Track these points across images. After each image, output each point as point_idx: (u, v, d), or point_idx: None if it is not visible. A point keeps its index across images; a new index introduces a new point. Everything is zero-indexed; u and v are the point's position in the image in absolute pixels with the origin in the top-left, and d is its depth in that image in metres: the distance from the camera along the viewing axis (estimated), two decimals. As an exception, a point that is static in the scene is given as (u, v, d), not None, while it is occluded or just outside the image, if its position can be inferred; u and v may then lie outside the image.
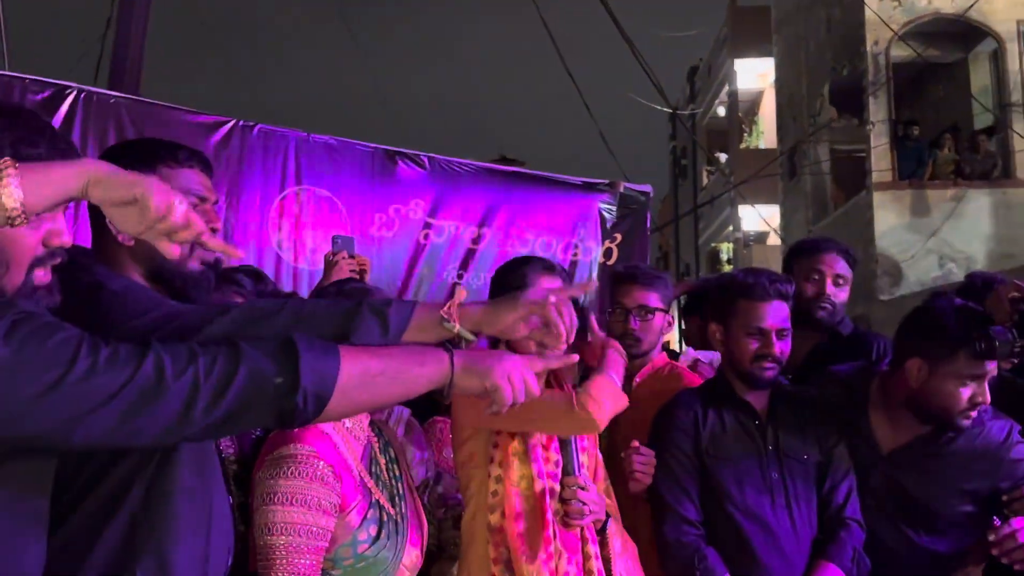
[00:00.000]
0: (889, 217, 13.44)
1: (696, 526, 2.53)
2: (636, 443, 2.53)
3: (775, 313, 2.58)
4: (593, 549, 2.32)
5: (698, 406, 2.61)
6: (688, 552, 2.48)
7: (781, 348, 2.57)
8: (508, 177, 4.97)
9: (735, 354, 2.59)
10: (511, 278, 2.35)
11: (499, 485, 2.27)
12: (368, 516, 2.00)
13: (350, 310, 1.68)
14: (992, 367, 2.44)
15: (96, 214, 1.83)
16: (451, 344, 1.62)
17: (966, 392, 2.45)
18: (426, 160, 4.65)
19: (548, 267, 2.40)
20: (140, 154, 1.84)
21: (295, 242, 4.27)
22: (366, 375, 1.49)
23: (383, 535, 2.00)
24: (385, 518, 2.03)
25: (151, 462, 1.68)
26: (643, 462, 2.50)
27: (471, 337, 1.68)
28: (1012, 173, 13.65)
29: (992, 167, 13.64)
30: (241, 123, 4.26)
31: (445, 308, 1.67)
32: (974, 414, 2.48)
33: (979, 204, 13.35)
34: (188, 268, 1.81)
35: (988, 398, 2.46)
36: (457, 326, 1.66)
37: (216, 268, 1.87)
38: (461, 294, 1.72)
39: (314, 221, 4.31)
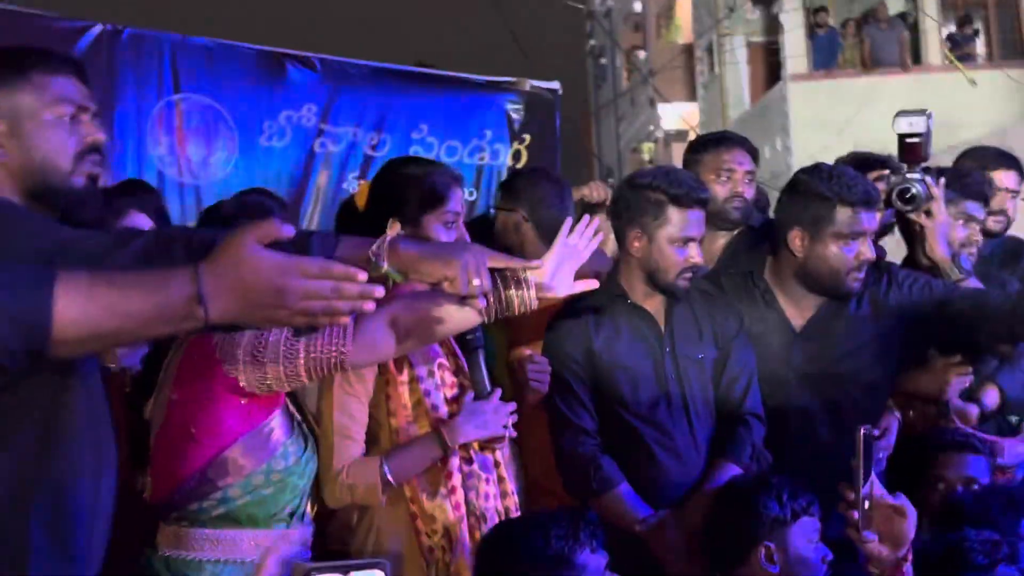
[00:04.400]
0: (804, 109, 13.46)
1: (592, 435, 2.46)
2: (528, 351, 2.42)
3: (700, 220, 2.49)
4: (507, 472, 2.26)
5: (590, 313, 2.51)
6: (584, 462, 2.42)
7: (699, 256, 2.49)
8: (407, 78, 4.74)
9: (659, 264, 2.46)
10: (413, 183, 2.20)
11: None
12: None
13: (274, 245, 1.53)
14: (871, 222, 2.49)
15: None
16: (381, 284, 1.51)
17: (850, 251, 2.47)
18: (317, 62, 4.40)
19: (456, 178, 2.29)
20: (8, 63, 1.66)
21: (178, 156, 4.02)
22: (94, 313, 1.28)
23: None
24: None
25: (39, 398, 1.56)
26: (537, 370, 2.40)
27: (399, 278, 1.61)
28: (923, 59, 13.74)
29: (902, 53, 13.69)
30: (109, 27, 3.94)
31: (375, 246, 1.58)
32: (861, 275, 2.50)
33: (893, 92, 13.43)
34: (73, 184, 1.64)
35: (873, 254, 2.51)
36: (385, 265, 1.58)
37: (99, 182, 1.70)
38: (395, 228, 1.73)
39: (197, 132, 4.05)
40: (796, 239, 2.52)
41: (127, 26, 4.00)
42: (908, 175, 2.73)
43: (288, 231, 1.33)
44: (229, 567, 1.95)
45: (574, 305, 2.52)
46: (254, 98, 4.18)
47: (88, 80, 1.72)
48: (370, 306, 1.32)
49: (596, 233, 2.01)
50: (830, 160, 2.96)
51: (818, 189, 2.50)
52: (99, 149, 1.68)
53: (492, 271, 1.77)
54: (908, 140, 2.76)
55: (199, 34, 4.22)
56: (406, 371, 2.16)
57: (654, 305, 2.54)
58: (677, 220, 2.44)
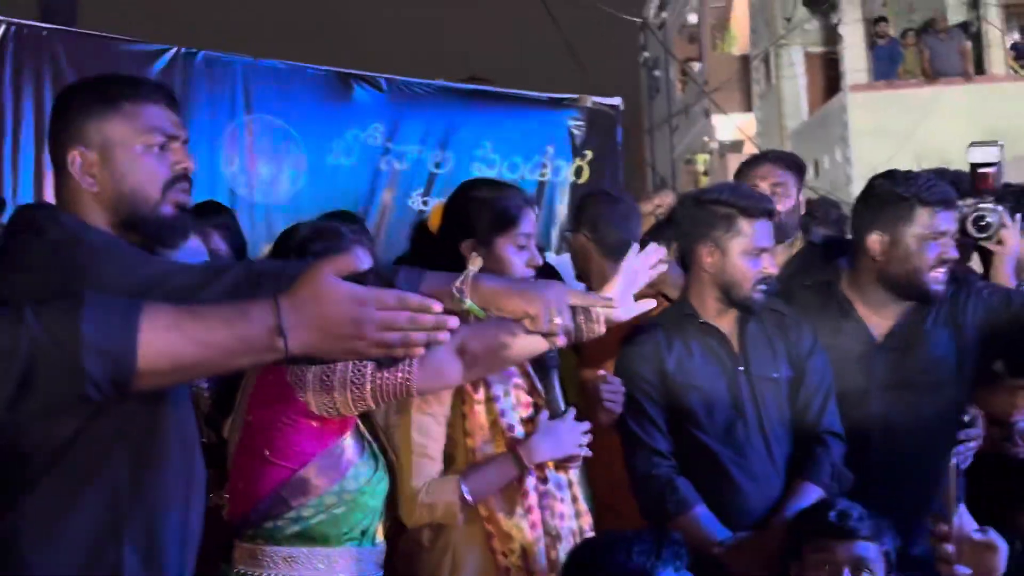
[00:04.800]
0: (865, 119, 13.27)
1: (666, 457, 2.45)
2: (602, 372, 2.42)
3: (770, 231, 2.49)
4: (579, 491, 2.27)
5: (661, 334, 2.50)
6: (659, 484, 2.41)
7: (773, 267, 2.49)
8: (470, 96, 4.79)
9: (734, 278, 2.45)
10: (485, 205, 2.23)
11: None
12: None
13: (358, 277, 1.56)
14: (949, 223, 2.49)
15: (57, 155, 1.68)
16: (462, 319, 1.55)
17: (931, 250, 2.46)
18: (383, 82, 4.47)
19: (528, 200, 2.31)
20: (99, 92, 1.69)
21: (249, 175, 4.10)
22: (176, 344, 1.31)
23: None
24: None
25: (132, 427, 1.60)
26: (611, 391, 2.40)
27: (481, 314, 1.63)
28: (986, 69, 13.47)
29: (963, 63, 13.44)
30: (184, 50, 4.05)
31: (458, 281, 1.61)
32: (942, 275, 2.49)
33: (954, 102, 13.18)
34: (162, 212, 1.67)
35: (955, 254, 2.50)
36: (468, 301, 1.61)
37: (187, 210, 1.74)
38: (476, 262, 1.69)
39: (267, 152, 4.13)
40: (875, 243, 2.52)
41: (201, 50, 4.10)
42: (981, 204, 2.73)
43: (364, 262, 1.36)
44: None
45: (646, 325, 2.51)
46: (322, 118, 4.25)
47: (178, 107, 1.75)
48: (445, 336, 1.35)
49: (659, 261, 2.04)
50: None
51: (896, 190, 2.50)
52: (187, 177, 1.71)
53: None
54: (980, 170, 2.77)
55: (270, 57, 4.30)
56: (482, 391, 2.18)
57: (727, 324, 2.52)
58: (748, 231, 2.44)
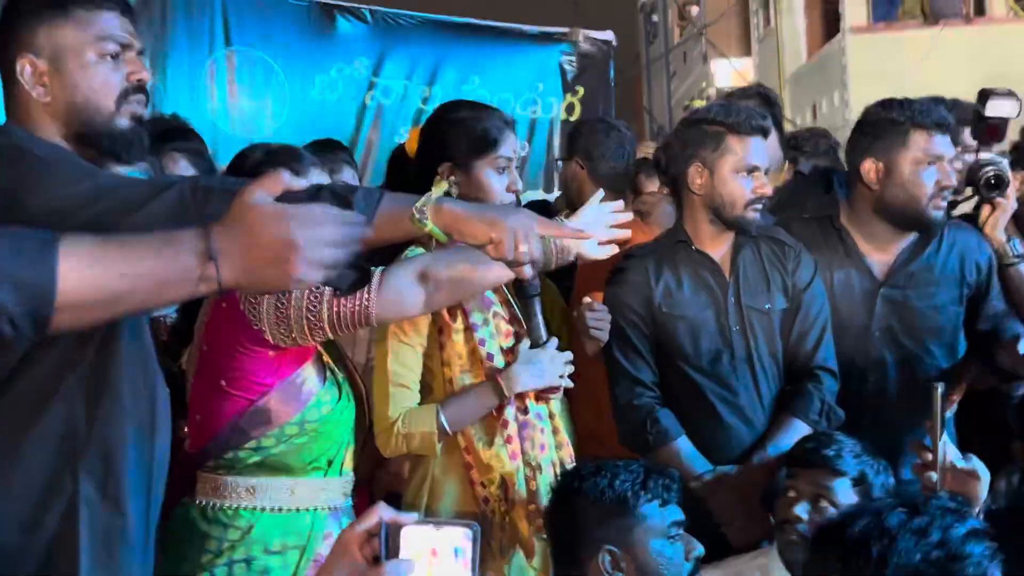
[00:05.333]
0: (864, 61, 13.10)
1: (650, 388, 2.40)
2: (589, 299, 2.36)
3: (763, 149, 2.41)
4: (560, 422, 2.24)
5: (651, 261, 2.43)
6: (641, 415, 2.36)
7: (767, 187, 2.41)
8: (458, 29, 4.69)
9: (724, 197, 2.37)
10: (464, 127, 2.16)
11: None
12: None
13: (310, 192, 1.52)
14: (947, 147, 2.44)
15: (5, 64, 1.61)
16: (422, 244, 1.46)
17: (928, 176, 2.42)
18: (368, 14, 4.36)
19: (509, 122, 2.23)
20: None
21: (230, 110, 4.01)
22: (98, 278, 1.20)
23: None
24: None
25: (82, 355, 1.56)
26: (598, 319, 2.34)
27: (442, 237, 1.56)
28: (987, 10, 13.28)
29: (963, 5, 13.26)
30: (162, -19, 3.93)
31: (419, 203, 1.53)
32: (943, 202, 2.45)
33: (954, 44, 13.01)
34: (117, 125, 1.60)
35: (953, 181, 2.45)
36: (429, 223, 1.52)
37: (144, 123, 1.67)
38: (441, 185, 1.70)
39: (249, 86, 4.04)
40: (871, 170, 2.47)
41: (179, -20, 3.99)
42: (994, 158, 2.66)
43: (289, 182, 1.27)
44: (265, 515, 1.94)
45: (637, 253, 2.45)
46: (305, 52, 4.17)
47: (134, 16, 1.67)
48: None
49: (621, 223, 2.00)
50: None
51: (890, 115, 2.46)
52: (143, 88, 1.64)
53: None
54: (992, 121, 2.72)
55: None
56: (460, 319, 2.13)
57: (720, 251, 2.45)
58: (738, 149, 2.36)
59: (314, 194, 1.51)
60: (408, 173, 2.29)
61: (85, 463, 1.57)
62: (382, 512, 0.97)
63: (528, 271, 1.62)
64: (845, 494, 2.05)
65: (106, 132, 1.60)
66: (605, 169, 3.00)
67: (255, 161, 2.11)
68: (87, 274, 1.19)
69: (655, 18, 25.58)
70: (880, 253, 2.53)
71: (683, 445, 2.36)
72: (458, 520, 0.99)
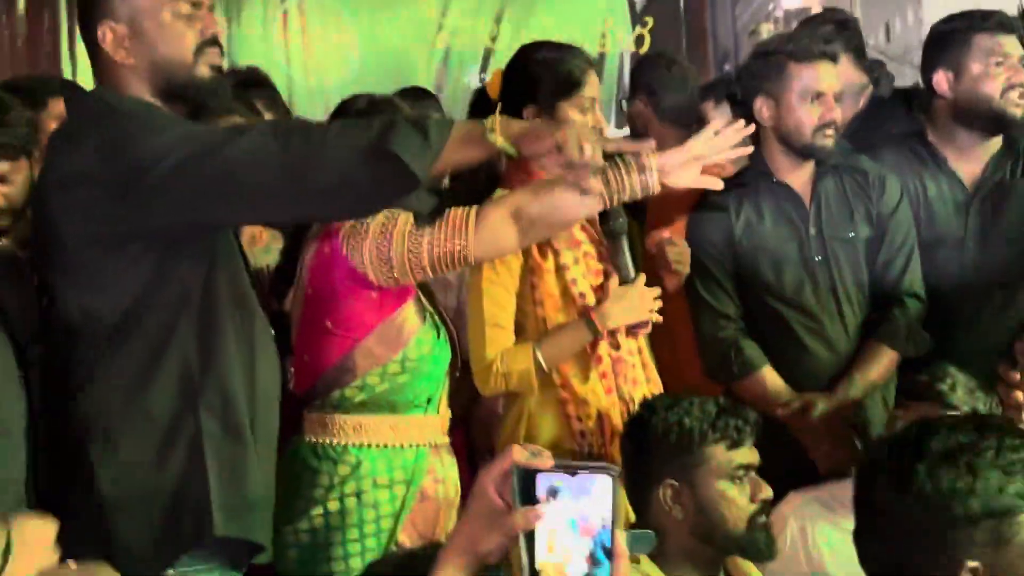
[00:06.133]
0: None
1: (733, 319, 2.43)
2: (667, 233, 2.39)
3: (830, 73, 2.40)
4: (648, 359, 2.27)
5: (732, 196, 2.43)
6: (725, 346, 2.40)
7: (837, 112, 2.40)
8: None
9: (791, 126, 2.39)
10: (547, 68, 2.19)
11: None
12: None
13: (387, 123, 1.61)
14: (1016, 45, 2.46)
15: (88, 33, 1.73)
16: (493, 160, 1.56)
17: (997, 75, 2.45)
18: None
19: (591, 62, 2.28)
20: None
21: (305, 58, 4.06)
22: None
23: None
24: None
25: (192, 293, 1.68)
26: (678, 252, 2.37)
27: (511, 150, 1.64)
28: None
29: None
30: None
31: (488, 121, 1.62)
32: (1021, 99, 2.46)
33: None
34: (197, 75, 1.72)
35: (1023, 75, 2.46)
36: (500, 139, 1.61)
37: (223, 73, 1.82)
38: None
39: (322, 34, 4.07)
40: (942, 81, 2.51)
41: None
42: None
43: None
44: (372, 451, 2.03)
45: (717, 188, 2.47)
46: (373, -4, 4.17)
47: None
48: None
49: (739, 144, 1.92)
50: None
51: (952, 25, 2.52)
52: (217, 41, 1.75)
53: (611, 156, 1.76)
54: None
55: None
56: (552, 259, 2.16)
57: (800, 181, 2.45)
58: (802, 75, 2.37)
59: (389, 125, 1.59)
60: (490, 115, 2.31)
61: (205, 400, 1.68)
62: (515, 455, 0.93)
63: (590, 183, 1.69)
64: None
65: (190, 84, 1.71)
66: (669, 104, 2.99)
67: (357, 111, 2.14)
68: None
69: (716, -61, 24.85)
70: (968, 164, 2.54)
71: (768, 374, 2.39)
72: (595, 464, 0.93)
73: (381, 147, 1.56)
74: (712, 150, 1.87)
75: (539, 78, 2.17)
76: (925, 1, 12.78)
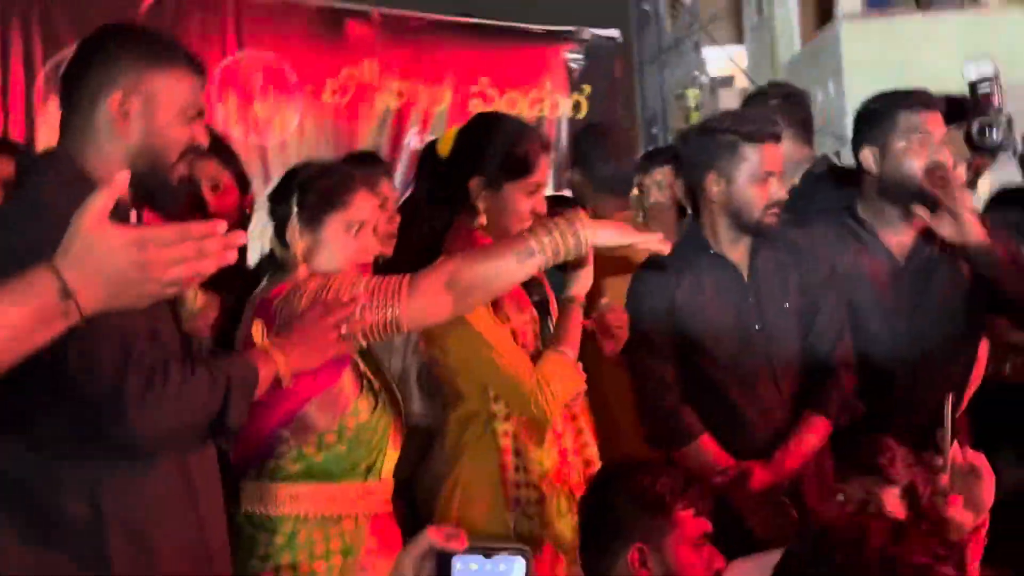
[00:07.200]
0: (858, 51, 13.13)
1: (671, 387, 2.46)
2: (606, 299, 2.42)
3: (777, 154, 2.48)
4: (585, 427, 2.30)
5: (671, 265, 2.48)
6: (665, 414, 2.43)
7: (783, 190, 2.48)
8: (464, 30, 4.70)
9: (742, 205, 2.44)
10: (501, 146, 2.21)
11: None
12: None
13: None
14: (937, 123, 2.53)
15: (85, 95, 1.73)
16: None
17: (919, 153, 2.50)
18: (376, 16, 4.37)
19: (545, 145, 2.33)
20: (154, 45, 1.76)
21: (244, 115, 4.03)
22: None
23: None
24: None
25: None
26: (618, 319, 2.40)
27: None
28: (982, -4, 13.31)
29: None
30: (175, -17, 3.94)
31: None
32: (941, 180, 2.51)
33: (948, 31, 13.05)
34: (172, 178, 1.79)
35: (951, 160, 2.52)
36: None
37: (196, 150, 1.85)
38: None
39: (262, 91, 4.05)
40: (868, 157, 2.56)
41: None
42: (990, 120, 2.79)
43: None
44: (307, 521, 2.00)
45: (657, 257, 2.51)
46: (315, 55, 4.17)
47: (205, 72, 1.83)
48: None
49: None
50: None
51: (875, 105, 2.58)
52: (196, 151, 1.82)
53: (556, 214, 1.87)
54: (981, 89, 2.82)
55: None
56: (507, 324, 2.20)
57: (739, 253, 2.51)
58: (754, 157, 2.43)
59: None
60: (438, 174, 2.33)
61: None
62: (431, 538, 0.95)
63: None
64: (893, 503, 2.07)
65: (162, 182, 1.74)
66: (605, 174, 3.05)
67: (306, 178, 2.12)
68: None
69: (646, 6, 25.54)
70: (897, 237, 2.60)
71: (707, 442, 2.41)
72: (511, 545, 0.96)
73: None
74: (641, 244, 2.03)
75: (491, 155, 2.18)
76: (846, 73, 13.33)
